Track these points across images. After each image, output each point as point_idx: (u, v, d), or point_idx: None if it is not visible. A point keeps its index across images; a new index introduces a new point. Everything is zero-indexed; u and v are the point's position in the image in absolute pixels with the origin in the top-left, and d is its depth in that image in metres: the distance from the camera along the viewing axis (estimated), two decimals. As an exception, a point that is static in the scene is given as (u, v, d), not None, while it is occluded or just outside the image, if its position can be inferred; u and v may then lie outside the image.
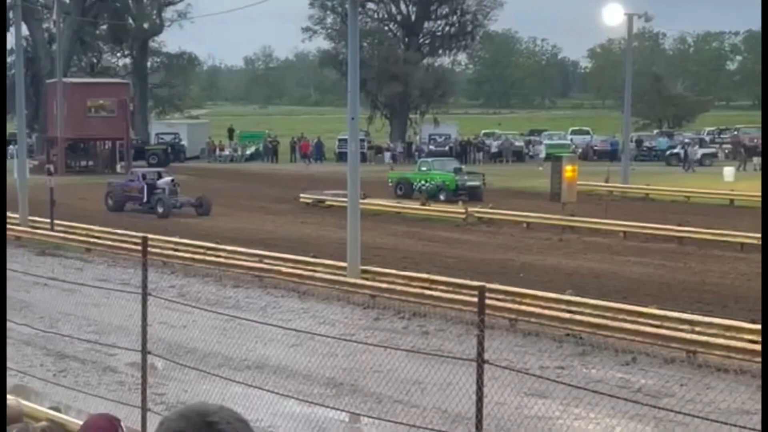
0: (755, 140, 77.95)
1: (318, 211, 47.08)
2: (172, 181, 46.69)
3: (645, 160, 74.96)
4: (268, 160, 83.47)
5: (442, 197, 50.08)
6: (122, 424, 4.31)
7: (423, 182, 51.85)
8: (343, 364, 18.94)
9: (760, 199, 45.59)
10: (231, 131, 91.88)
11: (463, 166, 57.09)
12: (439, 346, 20.58)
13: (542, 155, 77.34)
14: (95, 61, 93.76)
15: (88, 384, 18.20)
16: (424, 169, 53.40)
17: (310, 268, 28.25)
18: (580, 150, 78.33)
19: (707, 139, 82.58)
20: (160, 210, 44.83)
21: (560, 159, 47.19)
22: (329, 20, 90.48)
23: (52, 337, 20.30)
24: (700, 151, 76.05)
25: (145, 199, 45.90)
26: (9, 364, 15.05)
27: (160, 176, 47.49)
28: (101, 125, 70.21)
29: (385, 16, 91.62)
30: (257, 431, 14.20)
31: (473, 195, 50.37)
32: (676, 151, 75.65)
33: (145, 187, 45.99)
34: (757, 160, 68.64)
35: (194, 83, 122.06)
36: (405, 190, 52.10)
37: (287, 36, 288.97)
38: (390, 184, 53.16)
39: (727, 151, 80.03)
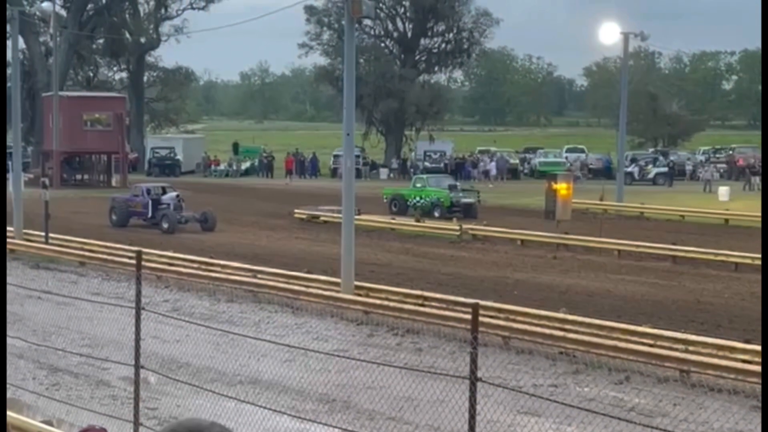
0: (753, 160, 78.13)
1: (312, 227, 47.08)
2: (177, 196, 46.14)
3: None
4: (264, 175, 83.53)
5: (436, 214, 49.98)
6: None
7: (418, 199, 51.57)
8: (336, 380, 18.91)
9: (755, 219, 45.72)
10: (236, 146, 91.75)
11: (458, 183, 56.81)
12: (432, 363, 20.55)
13: (493, 172, 78.39)
14: (92, 74, 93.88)
15: (81, 398, 18.15)
16: (418, 185, 53.09)
17: (304, 283, 28.23)
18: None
19: (661, 157, 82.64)
20: (165, 225, 44.26)
21: (555, 177, 47.22)
22: (325, 36, 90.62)
23: (45, 350, 20.25)
24: (654, 170, 76.24)
25: (149, 215, 45.39)
26: (1, 377, 15.03)
27: (164, 191, 46.75)
28: (97, 139, 70.26)
29: (382, 32, 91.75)
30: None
31: (468, 212, 50.16)
32: (629, 170, 75.70)
33: (150, 202, 45.49)
34: (754, 180, 68.81)
35: (190, 98, 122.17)
36: (399, 206, 51.78)
37: (283, 51, 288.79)
38: (385, 201, 52.89)
39: (722, 170, 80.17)
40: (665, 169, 77.95)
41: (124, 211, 46.37)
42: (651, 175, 74.82)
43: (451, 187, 52.37)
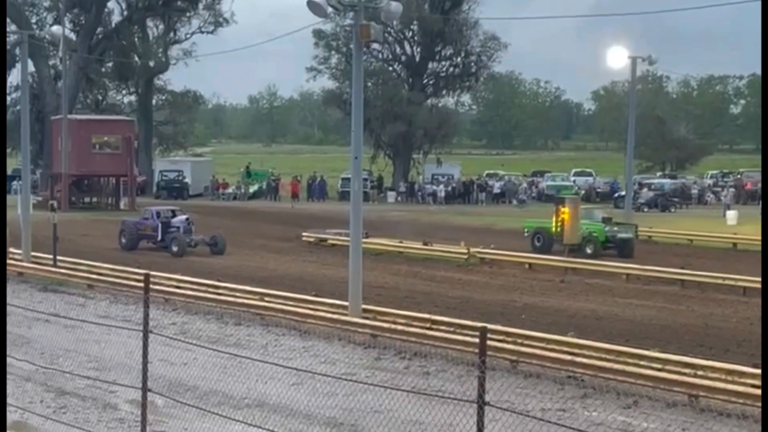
0: (759, 184, 78.13)
1: (320, 250, 47.08)
2: (187, 219, 46.01)
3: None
4: (272, 198, 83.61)
5: (589, 251, 44.12)
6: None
7: None
8: (343, 403, 18.87)
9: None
10: (248, 169, 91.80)
11: (612, 216, 49.38)
12: (440, 387, 20.51)
13: (442, 194, 79.33)
14: (100, 98, 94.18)
15: (88, 421, 18.13)
16: None
17: (311, 306, 28.20)
18: (582, 191, 78.56)
19: (655, 182, 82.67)
20: (174, 249, 44.13)
21: (563, 201, 47.06)
22: (334, 60, 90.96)
23: (52, 373, 20.23)
24: (650, 194, 76.11)
25: (159, 238, 45.22)
26: (9, 400, 15.01)
27: (174, 214, 46.65)
28: (105, 162, 70.39)
29: (390, 56, 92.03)
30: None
31: (623, 249, 44.73)
32: (623, 193, 75.43)
33: (160, 225, 45.30)
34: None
35: (198, 121, 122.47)
36: (544, 241, 45.57)
37: (292, 75, 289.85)
38: (526, 234, 47.52)
39: (731, 193, 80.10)
40: (660, 193, 77.92)
41: (134, 234, 46.22)
42: (643, 200, 74.47)
43: (605, 221, 46.54)
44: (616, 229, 45.73)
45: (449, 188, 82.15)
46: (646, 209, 68.94)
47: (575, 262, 40.59)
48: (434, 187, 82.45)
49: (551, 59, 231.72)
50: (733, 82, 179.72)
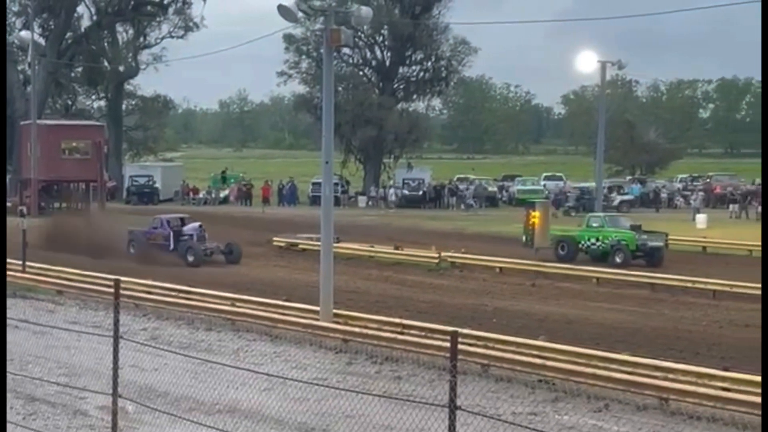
0: (729, 188, 78.65)
1: (291, 255, 47.00)
2: (200, 226, 44.26)
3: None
4: (242, 203, 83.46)
5: (618, 260, 42.87)
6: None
7: (593, 241, 44.33)
8: (315, 408, 18.84)
9: (732, 246, 46.07)
10: (224, 174, 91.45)
11: (641, 224, 47.13)
12: (412, 392, 20.50)
13: (392, 198, 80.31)
14: (70, 103, 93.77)
15: (58, 428, 18.04)
16: (595, 225, 45.10)
17: (282, 311, 28.16)
18: (553, 195, 78.75)
19: (625, 186, 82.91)
20: (190, 258, 42.39)
21: (533, 205, 47.19)
22: (304, 65, 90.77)
23: (21, 379, 20.10)
24: (618, 198, 76.43)
25: (171, 247, 43.37)
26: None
27: (183, 222, 44.92)
28: (75, 167, 69.94)
29: (360, 61, 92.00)
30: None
31: (652, 258, 43.16)
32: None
33: (171, 233, 43.56)
34: (732, 207, 69.28)
35: (169, 126, 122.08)
36: (569, 249, 44.33)
37: (262, 80, 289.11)
38: (549, 243, 45.64)
39: (701, 197, 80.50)
40: (630, 197, 78.18)
41: (144, 243, 44.25)
42: (615, 203, 74.49)
43: (634, 228, 44.83)
44: (645, 237, 44.04)
45: (420, 192, 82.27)
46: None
47: (546, 266, 40.69)
48: (386, 191, 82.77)
49: (521, 64, 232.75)
50: (702, 86, 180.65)
